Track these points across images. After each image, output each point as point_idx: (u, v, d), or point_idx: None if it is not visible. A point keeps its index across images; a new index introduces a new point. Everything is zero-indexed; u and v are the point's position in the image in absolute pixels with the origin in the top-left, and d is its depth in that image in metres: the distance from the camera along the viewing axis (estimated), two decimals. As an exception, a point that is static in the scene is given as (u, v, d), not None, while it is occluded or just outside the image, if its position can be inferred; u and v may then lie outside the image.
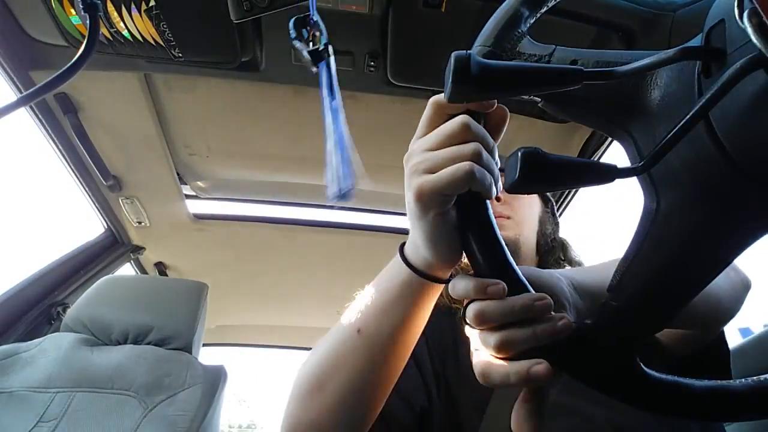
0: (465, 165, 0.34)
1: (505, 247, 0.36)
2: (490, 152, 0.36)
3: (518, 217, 0.75)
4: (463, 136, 0.35)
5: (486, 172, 0.35)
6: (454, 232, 0.38)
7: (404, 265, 0.43)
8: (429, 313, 0.46)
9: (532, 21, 0.39)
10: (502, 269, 0.35)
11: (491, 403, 0.58)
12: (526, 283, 0.35)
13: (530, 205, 0.79)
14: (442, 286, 0.44)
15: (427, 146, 0.37)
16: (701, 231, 0.30)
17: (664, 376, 0.34)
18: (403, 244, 0.45)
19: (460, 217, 0.37)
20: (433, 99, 0.37)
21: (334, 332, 0.49)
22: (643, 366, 0.34)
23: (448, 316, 0.69)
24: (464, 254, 0.38)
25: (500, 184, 0.37)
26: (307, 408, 0.48)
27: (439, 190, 0.35)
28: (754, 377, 0.34)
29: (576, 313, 0.38)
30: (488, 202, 0.37)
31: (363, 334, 0.46)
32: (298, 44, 0.49)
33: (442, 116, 0.37)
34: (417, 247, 0.41)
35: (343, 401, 0.47)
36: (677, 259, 0.31)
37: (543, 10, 0.39)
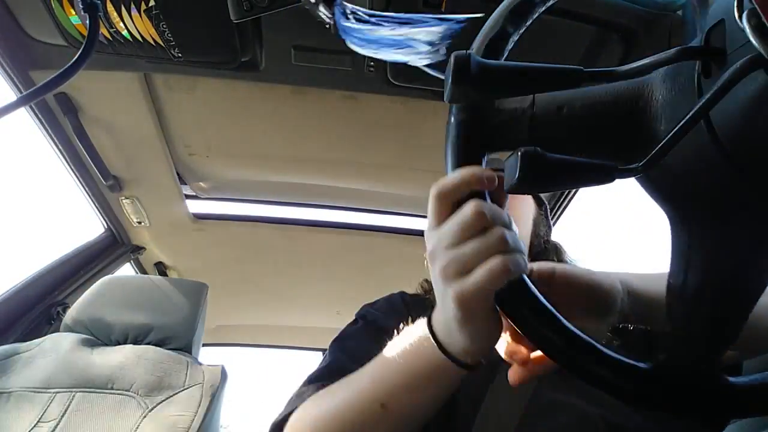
0: (498, 262, 0.33)
1: (562, 319, 0.34)
2: (509, 227, 0.35)
3: (513, 216, 0.75)
4: (481, 224, 0.34)
5: (518, 256, 0.34)
6: (492, 317, 0.37)
7: (438, 350, 0.41)
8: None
9: (516, 38, 0.38)
10: (569, 344, 0.34)
11: (487, 397, 0.58)
12: (595, 345, 0.33)
13: (526, 206, 0.79)
14: None
15: (448, 243, 0.35)
16: (725, 240, 0.30)
17: (749, 379, 0.33)
18: (429, 317, 0.43)
19: (509, 308, 0.35)
20: (434, 189, 0.36)
21: (351, 399, 0.48)
22: (728, 378, 0.33)
23: None
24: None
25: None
26: None
27: (480, 295, 0.34)
28: None
29: (622, 318, 0.38)
30: (525, 276, 0.35)
31: (389, 410, 0.45)
32: None
33: (448, 205, 0.36)
34: (452, 333, 0.40)
35: None
36: (721, 277, 0.31)
37: (523, 29, 0.39)
